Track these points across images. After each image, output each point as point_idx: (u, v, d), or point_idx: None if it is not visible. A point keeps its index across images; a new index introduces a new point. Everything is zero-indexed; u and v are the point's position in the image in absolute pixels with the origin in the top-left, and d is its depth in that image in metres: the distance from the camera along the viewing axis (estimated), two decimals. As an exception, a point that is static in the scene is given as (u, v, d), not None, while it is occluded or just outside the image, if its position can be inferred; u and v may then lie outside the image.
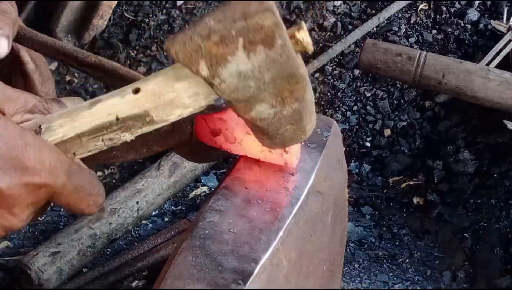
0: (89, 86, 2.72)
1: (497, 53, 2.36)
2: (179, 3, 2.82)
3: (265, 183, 0.88)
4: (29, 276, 1.94)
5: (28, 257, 1.97)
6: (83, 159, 0.90)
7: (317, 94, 2.59)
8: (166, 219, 2.27)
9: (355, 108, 2.54)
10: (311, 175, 0.91)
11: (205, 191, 2.36)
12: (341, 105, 2.55)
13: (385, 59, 2.15)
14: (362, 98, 2.54)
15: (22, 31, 1.11)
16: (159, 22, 2.81)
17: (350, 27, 2.70)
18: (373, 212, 2.29)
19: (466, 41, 2.58)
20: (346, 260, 2.08)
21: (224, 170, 2.38)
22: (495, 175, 2.25)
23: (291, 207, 0.85)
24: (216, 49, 0.81)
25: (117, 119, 0.87)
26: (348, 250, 2.14)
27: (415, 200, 2.30)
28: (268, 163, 0.91)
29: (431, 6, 2.67)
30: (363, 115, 2.52)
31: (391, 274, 2.09)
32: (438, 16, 2.66)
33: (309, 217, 0.89)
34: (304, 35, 0.84)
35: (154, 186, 2.20)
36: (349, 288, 2.02)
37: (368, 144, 2.47)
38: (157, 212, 2.28)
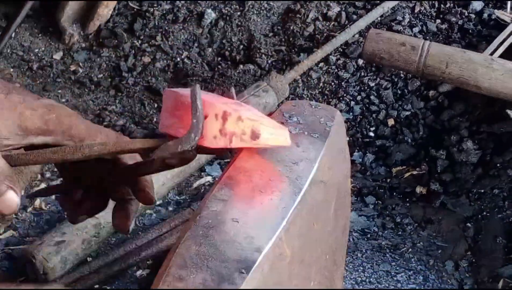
0: (94, 76, 2.72)
1: (501, 43, 2.36)
2: (183, -8, 2.82)
3: (268, 172, 0.88)
4: (34, 265, 1.95)
5: (33, 247, 1.98)
6: None
7: (321, 84, 2.59)
8: (170, 209, 2.28)
9: (358, 98, 2.54)
10: (314, 164, 0.90)
11: (209, 181, 2.37)
12: (345, 95, 2.55)
13: (388, 49, 2.15)
14: (366, 88, 2.54)
15: None
16: (164, 12, 2.81)
17: (355, 16, 2.70)
18: (376, 202, 2.30)
19: (470, 31, 2.58)
20: (349, 250, 2.09)
21: (228, 160, 2.38)
22: (498, 164, 2.25)
23: (294, 197, 0.85)
24: None
25: None
26: (351, 239, 2.15)
27: (418, 189, 2.30)
28: (270, 153, 0.91)
29: (435, -4, 2.67)
30: (366, 105, 2.52)
31: (393, 263, 2.09)
32: (442, 5, 2.66)
33: (312, 206, 0.89)
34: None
35: (158, 176, 2.20)
36: (349, 288, 2.03)
37: (371, 133, 2.47)
38: (161, 201, 2.29)
